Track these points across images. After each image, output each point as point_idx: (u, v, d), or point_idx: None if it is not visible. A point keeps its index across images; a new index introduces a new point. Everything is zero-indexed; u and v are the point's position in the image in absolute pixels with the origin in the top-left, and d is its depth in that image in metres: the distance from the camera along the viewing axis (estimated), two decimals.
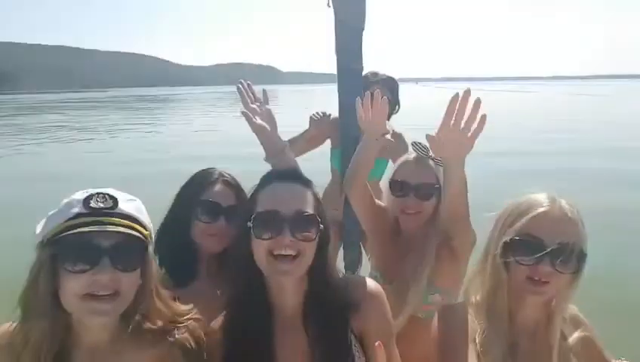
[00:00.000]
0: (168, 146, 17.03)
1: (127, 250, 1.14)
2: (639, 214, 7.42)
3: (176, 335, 1.27)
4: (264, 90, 1.99)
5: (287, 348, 1.31)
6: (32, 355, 1.12)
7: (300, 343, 1.31)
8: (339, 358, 1.29)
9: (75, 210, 1.12)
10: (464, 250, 1.95)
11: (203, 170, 1.83)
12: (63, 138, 20.98)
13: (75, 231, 1.09)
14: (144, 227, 1.20)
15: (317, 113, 3.27)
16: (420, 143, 2.02)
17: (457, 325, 1.35)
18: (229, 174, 1.81)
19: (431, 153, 2.02)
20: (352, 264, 2.98)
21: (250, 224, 1.27)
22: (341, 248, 3.02)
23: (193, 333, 1.30)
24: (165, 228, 1.74)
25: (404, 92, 3.40)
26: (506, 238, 1.27)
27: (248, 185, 1.50)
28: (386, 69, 3.26)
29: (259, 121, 1.87)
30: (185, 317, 1.31)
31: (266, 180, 1.36)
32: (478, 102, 1.47)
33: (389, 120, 3.32)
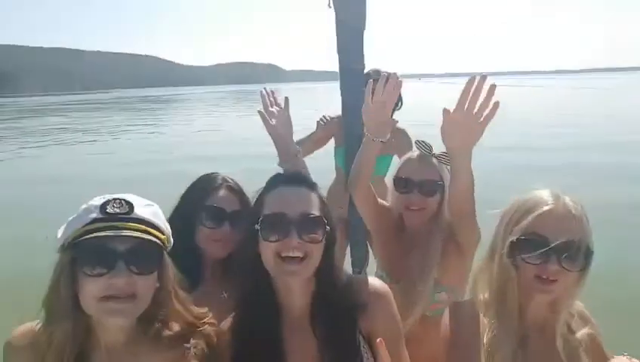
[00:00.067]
0: (171, 147, 17.09)
1: (143, 254, 1.16)
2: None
3: (192, 341, 1.29)
4: (286, 98, 2.02)
5: (296, 349, 1.32)
6: (56, 356, 1.15)
7: (308, 344, 1.32)
8: (347, 359, 1.30)
9: (93, 215, 1.16)
10: (469, 246, 1.95)
11: (206, 174, 1.84)
12: (66, 140, 21.04)
13: (91, 235, 1.13)
14: (161, 231, 1.23)
15: (324, 117, 3.29)
16: (423, 141, 2.04)
17: (469, 321, 1.36)
18: (232, 179, 1.82)
19: (434, 151, 2.04)
20: (359, 262, 2.99)
21: (257, 226, 1.29)
22: (348, 246, 3.04)
23: (208, 338, 1.32)
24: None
25: (407, 88, 3.30)
26: (512, 238, 1.27)
27: (252, 183, 1.52)
28: (388, 65, 3.32)
29: (275, 123, 1.91)
30: (202, 321, 1.33)
31: (272, 183, 1.38)
32: (492, 88, 1.47)
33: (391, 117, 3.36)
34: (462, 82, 1.62)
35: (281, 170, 1.78)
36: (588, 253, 1.24)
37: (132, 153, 16.24)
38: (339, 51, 2.59)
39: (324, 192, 1.43)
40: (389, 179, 2.24)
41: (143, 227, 1.18)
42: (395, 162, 2.42)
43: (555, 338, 1.31)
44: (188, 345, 1.28)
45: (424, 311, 1.96)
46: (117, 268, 1.12)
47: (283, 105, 1.98)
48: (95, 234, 1.13)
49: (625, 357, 1.29)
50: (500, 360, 1.27)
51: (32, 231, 7.01)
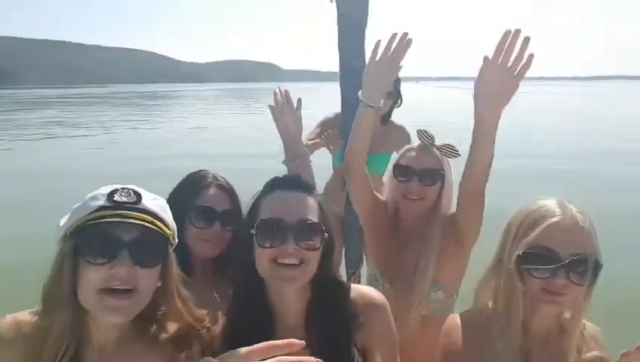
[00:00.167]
0: (167, 143, 16.99)
1: (148, 246, 1.13)
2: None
3: (185, 352, 1.26)
4: (299, 99, 2.02)
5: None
6: (53, 349, 1.12)
7: (301, 355, 1.23)
8: None
9: (99, 203, 1.13)
10: (470, 237, 1.91)
11: (195, 172, 1.80)
12: (59, 134, 20.91)
13: (96, 222, 1.10)
14: (167, 226, 1.19)
15: (327, 133, 3.22)
16: (425, 131, 1.99)
17: None
18: (222, 177, 1.79)
19: (436, 142, 2.00)
20: (353, 263, 2.98)
21: (253, 232, 1.26)
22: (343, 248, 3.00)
23: (205, 343, 1.29)
24: None
25: (405, 91, 3.43)
26: (519, 251, 1.25)
27: (242, 182, 1.44)
28: None
29: (286, 122, 1.91)
30: (202, 324, 1.29)
31: (269, 187, 1.34)
32: (527, 40, 1.46)
33: (390, 115, 3.35)
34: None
35: (281, 174, 1.72)
36: (596, 267, 1.21)
37: (128, 148, 16.12)
38: (339, 48, 2.56)
39: (320, 191, 1.38)
40: (386, 176, 2.20)
41: (150, 218, 1.15)
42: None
43: (556, 353, 1.28)
44: (183, 355, 1.24)
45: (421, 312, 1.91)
46: (120, 257, 1.09)
47: (295, 106, 1.97)
48: (101, 220, 1.10)
49: None
50: None
51: (17, 225, 7.04)
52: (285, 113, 1.93)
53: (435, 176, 1.95)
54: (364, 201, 2.07)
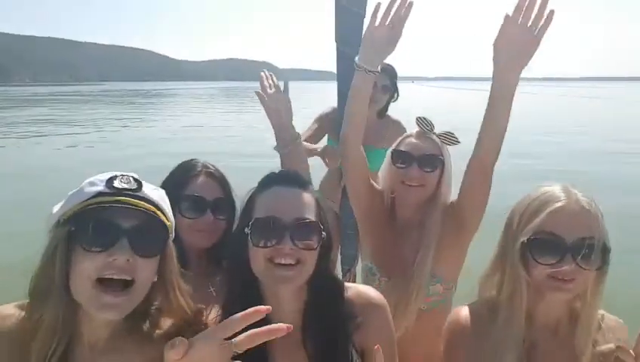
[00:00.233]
0: (160, 142, 16.90)
1: (148, 235, 1.08)
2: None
3: None
4: (285, 82, 1.95)
5: None
6: (43, 345, 1.05)
7: (298, 360, 1.23)
8: None
9: (97, 188, 1.07)
10: (472, 222, 1.86)
11: (185, 161, 1.76)
12: (50, 132, 20.73)
13: (94, 206, 1.05)
14: (167, 217, 1.15)
15: (326, 147, 3.17)
16: (425, 118, 1.94)
17: None
18: (212, 165, 1.75)
19: (435, 130, 1.95)
20: (349, 260, 2.96)
21: (247, 231, 1.20)
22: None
23: None
24: None
25: (401, 91, 3.39)
26: (523, 238, 1.21)
27: (245, 182, 1.36)
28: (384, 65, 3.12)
29: (275, 107, 1.84)
30: (200, 319, 1.24)
31: (265, 183, 1.27)
32: None
33: (387, 109, 3.34)
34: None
35: (276, 170, 1.64)
36: (605, 250, 1.18)
37: (117, 147, 15.96)
38: (337, 39, 2.51)
39: (315, 188, 1.35)
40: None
41: (151, 207, 1.10)
42: None
43: (567, 343, 1.24)
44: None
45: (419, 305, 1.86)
46: (119, 244, 1.03)
47: (282, 89, 1.91)
48: (99, 205, 1.05)
49: None
50: None
51: (5, 223, 6.97)
52: (273, 98, 1.86)
53: (434, 162, 1.88)
54: (360, 188, 1.99)
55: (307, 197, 1.25)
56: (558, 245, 1.17)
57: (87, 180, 1.11)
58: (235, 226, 1.35)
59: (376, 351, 1.09)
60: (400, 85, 3.32)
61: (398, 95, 3.32)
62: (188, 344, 0.93)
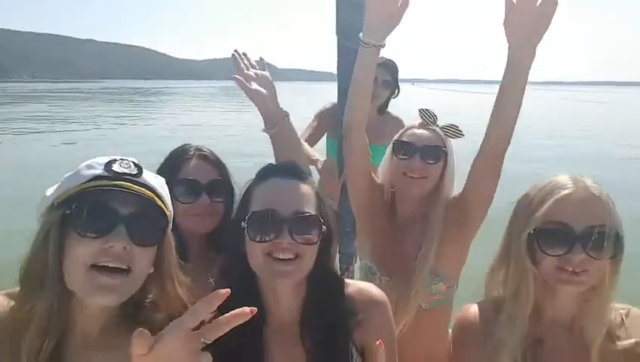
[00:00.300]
0: (158, 140, 16.72)
1: (146, 222, 1.04)
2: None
3: None
4: (261, 58, 1.83)
5: (283, 361, 1.21)
6: (36, 337, 0.99)
7: (296, 356, 1.20)
8: None
9: (95, 171, 1.03)
10: (477, 216, 1.80)
11: (178, 147, 1.71)
12: (47, 129, 20.69)
13: (91, 189, 1.01)
14: (166, 206, 1.10)
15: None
16: (427, 110, 1.89)
17: None
18: (207, 148, 1.70)
19: (438, 121, 1.90)
20: (347, 258, 2.92)
21: (244, 224, 1.16)
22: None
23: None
24: None
25: (401, 93, 3.37)
26: (530, 229, 1.16)
27: (242, 181, 1.34)
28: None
29: (254, 86, 1.73)
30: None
31: (262, 175, 1.23)
32: None
33: (387, 105, 3.28)
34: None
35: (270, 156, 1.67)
36: (617, 238, 1.11)
37: (114, 145, 15.87)
38: (338, 31, 2.45)
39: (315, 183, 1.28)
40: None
41: (151, 194, 1.05)
42: None
43: (582, 341, 1.17)
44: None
45: (421, 302, 1.80)
46: (116, 231, 0.99)
47: (259, 67, 1.79)
48: (96, 188, 1.00)
49: None
50: None
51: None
52: (252, 79, 1.74)
53: (437, 153, 1.83)
54: (362, 180, 1.93)
55: (306, 189, 1.21)
56: (566, 234, 1.11)
57: (85, 163, 1.06)
58: (233, 215, 1.31)
59: (377, 346, 1.05)
60: (400, 87, 3.28)
61: (398, 91, 3.26)
62: (154, 338, 0.85)
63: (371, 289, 1.32)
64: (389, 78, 3.10)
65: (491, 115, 1.67)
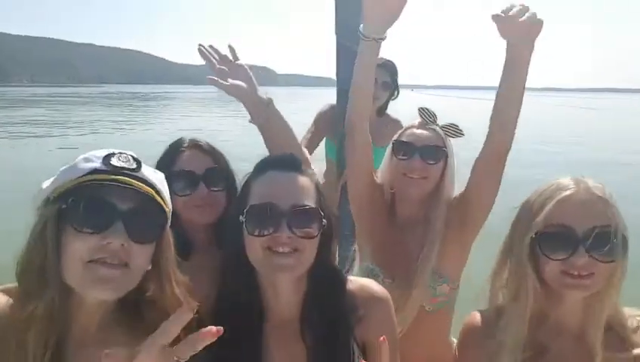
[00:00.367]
0: (156, 145, 16.69)
1: (145, 219, 1.01)
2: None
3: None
4: (230, 46, 1.76)
5: (281, 356, 1.19)
6: (38, 339, 0.96)
7: (296, 352, 1.19)
8: None
9: (93, 165, 1.00)
10: (479, 216, 1.78)
11: (173, 141, 1.69)
12: (45, 134, 20.77)
13: (88, 183, 0.98)
14: (165, 202, 1.08)
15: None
16: (427, 109, 1.87)
17: None
18: (202, 140, 1.68)
19: (438, 121, 1.88)
20: (346, 260, 2.72)
21: (242, 218, 1.14)
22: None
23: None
24: None
25: (400, 98, 3.36)
26: (531, 233, 1.13)
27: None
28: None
29: (231, 81, 1.65)
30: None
31: (260, 168, 1.22)
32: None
33: (386, 107, 3.25)
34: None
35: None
36: (623, 240, 1.08)
37: (112, 148, 15.90)
38: (337, 30, 2.44)
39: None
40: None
41: (150, 189, 1.03)
42: None
43: (591, 348, 1.13)
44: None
45: (424, 304, 1.78)
46: (113, 227, 0.97)
47: (231, 58, 1.72)
48: (94, 182, 0.98)
49: None
50: None
51: None
52: (227, 75, 1.67)
53: (437, 153, 1.81)
54: (363, 179, 1.89)
55: (305, 182, 1.19)
56: (568, 237, 1.08)
57: (82, 156, 1.03)
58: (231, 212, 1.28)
59: (381, 342, 1.02)
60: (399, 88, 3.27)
61: (398, 92, 3.24)
62: (128, 355, 0.84)
63: (373, 285, 1.31)
64: (388, 80, 3.07)
65: (492, 116, 1.65)
